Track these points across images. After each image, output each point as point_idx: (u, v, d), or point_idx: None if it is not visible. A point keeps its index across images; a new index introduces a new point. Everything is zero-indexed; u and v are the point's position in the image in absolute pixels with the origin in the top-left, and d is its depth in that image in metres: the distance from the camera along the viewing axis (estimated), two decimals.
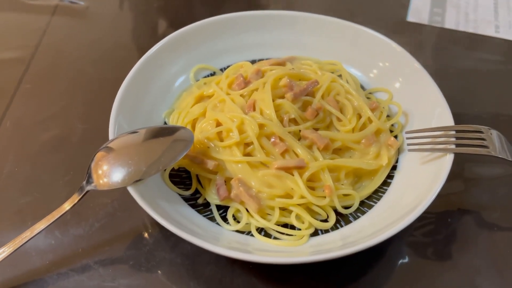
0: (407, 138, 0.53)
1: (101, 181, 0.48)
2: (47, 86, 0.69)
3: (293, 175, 0.50)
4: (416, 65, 0.57)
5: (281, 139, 0.51)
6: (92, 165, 0.48)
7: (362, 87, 0.63)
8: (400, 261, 0.51)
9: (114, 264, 0.50)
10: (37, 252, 0.51)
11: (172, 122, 0.58)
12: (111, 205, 0.55)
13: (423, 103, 0.56)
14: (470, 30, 0.78)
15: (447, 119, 0.53)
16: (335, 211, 0.51)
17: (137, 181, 0.47)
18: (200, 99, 0.60)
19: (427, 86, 0.56)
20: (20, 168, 0.58)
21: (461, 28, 0.78)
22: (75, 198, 0.47)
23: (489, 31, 0.78)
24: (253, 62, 0.65)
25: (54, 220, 0.47)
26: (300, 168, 0.50)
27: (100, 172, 0.48)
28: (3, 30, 0.77)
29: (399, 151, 0.56)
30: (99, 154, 0.49)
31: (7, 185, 0.57)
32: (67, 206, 0.47)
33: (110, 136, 0.51)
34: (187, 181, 0.54)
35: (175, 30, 0.78)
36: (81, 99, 0.67)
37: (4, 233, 0.52)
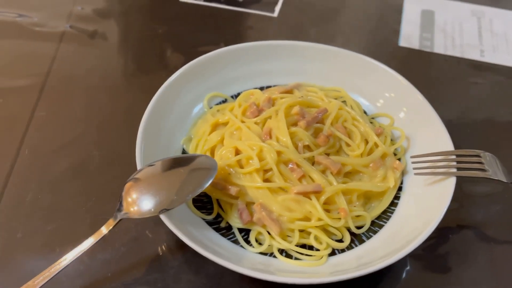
0: (413, 162, 0.58)
1: (132, 209, 0.50)
2: (61, 113, 0.71)
3: (310, 199, 0.54)
4: (419, 96, 0.62)
5: (298, 165, 0.55)
6: (123, 195, 0.51)
7: (365, 113, 0.67)
8: (405, 274, 0.55)
9: (142, 287, 0.53)
10: (67, 278, 0.53)
11: (191, 149, 0.61)
12: (135, 229, 0.57)
13: (425, 130, 0.61)
14: (457, 54, 0.84)
15: (447, 145, 0.57)
16: (349, 230, 0.55)
17: (163, 210, 0.50)
18: (216, 126, 0.63)
19: (429, 115, 0.61)
20: (42, 195, 0.60)
21: (449, 52, 0.84)
22: (111, 223, 0.50)
23: (475, 55, 0.84)
24: (261, 89, 0.69)
25: (94, 242, 0.49)
26: (317, 193, 0.54)
27: (130, 200, 0.51)
28: (13, 58, 0.79)
29: (403, 173, 0.61)
30: (128, 185, 0.51)
31: (31, 212, 0.59)
32: (104, 230, 0.50)
33: (138, 165, 0.54)
34: (208, 206, 0.57)
35: (179, 55, 0.82)
36: (95, 126, 0.69)
37: (34, 261, 0.54)
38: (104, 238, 0.55)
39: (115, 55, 0.81)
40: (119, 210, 0.51)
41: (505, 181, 0.54)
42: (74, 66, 0.78)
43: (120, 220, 0.50)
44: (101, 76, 0.77)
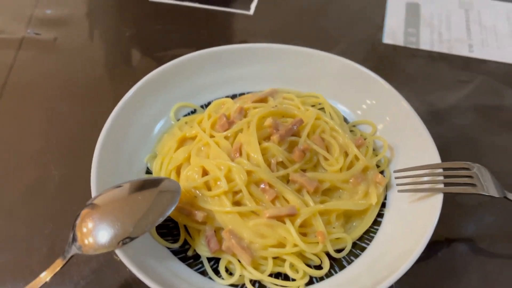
0: (396, 178, 0.53)
1: (86, 242, 0.45)
2: (17, 128, 0.65)
3: (284, 223, 0.49)
4: (404, 103, 0.57)
5: (270, 186, 0.50)
6: (77, 224, 0.46)
7: (346, 120, 0.62)
8: None
9: None
10: None
11: (155, 168, 0.56)
12: (96, 259, 0.52)
13: (410, 140, 0.56)
14: (445, 50, 0.79)
15: (434, 157, 0.53)
16: (328, 254, 0.51)
17: (124, 240, 0.45)
18: (183, 141, 0.58)
19: (414, 124, 0.56)
20: None
21: (436, 48, 0.79)
22: (58, 265, 0.45)
23: (463, 51, 0.79)
24: (233, 96, 0.64)
25: None
26: (292, 216, 0.49)
27: (85, 230, 0.46)
28: None
29: (387, 187, 0.56)
30: (84, 212, 0.47)
31: None
32: (47, 276, 0.44)
33: (93, 193, 0.49)
34: (175, 231, 0.52)
35: (149, 59, 0.77)
36: (55, 142, 0.64)
37: None
38: (60, 270, 0.50)
39: (78, 61, 0.75)
40: (73, 241, 0.46)
41: (497, 196, 0.50)
42: (33, 75, 0.73)
43: (71, 257, 0.45)
44: (62, 85, 0.71)
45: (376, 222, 0.54)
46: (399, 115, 0.58)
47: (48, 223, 0.55)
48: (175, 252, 0.51)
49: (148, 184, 0.49)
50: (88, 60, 0.76)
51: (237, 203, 0.50)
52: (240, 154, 0.52)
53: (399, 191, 0.52)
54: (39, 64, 0.74)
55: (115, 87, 0.72)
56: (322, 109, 0.62)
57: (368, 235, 0.53)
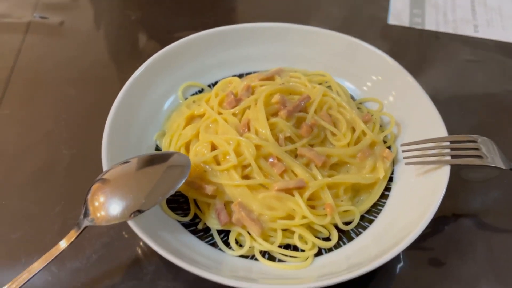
0: (403, 151, 0.54)
1: (98, 215, 0.46)
2: (27, 111, 0.66)
3: (293, 195, 0.50)
4: (409, 78, 0.58)
5: (279, 159, 0.51)
6: (89, 198, 0.47)
7: (352, 98, 0.63)
8: (400, 269, 0.52)
9: None
10: None
11: (164, 145, 0.57)
12: (108, 234, 0.53)
13: (416, 115, 0.57)
14: (450, 30, 0.79)
15: (441, 130, 0.53)
16: (336, 227, 0.51)
17: (135, 213, 0.46)
18: (191, 119, 0.58)
19: (420, 99, 0.56)
20: (7, 201, 0.56)
21: (441, 29, 0.79)
22: (72, 235, 0.46)
23: (468, 31, 0.79)
24: (240, 76, 0.65)
25: (51, 259, 0.45)
26: (300, 188, 0.50)
27: (97, 204, 0.47)
28: None
29: (394, 162, 0.56)
30: (95, 186, 0.47)
31: None
32: (64, 244, 0.45)
33: (104, 167, 0.49)
34: (185, 206, 0.53)
35: (155, 42, 0.77)
36: (64, 123, 0.64)
37: None
38: (74, 244, 0.51)
39: (85, 45, 0.76)
40: (85, 215, 0.46)
41: (504, 167, 0.50)
42: (41, 58, 0.73)
43: (85, 228, 0.46)
44: (70, 68, 0.72)
45: (384, 196, 0.54)
46: (405, 90, 0.58)
47: (59, 201, 0.56)
48: (185, 225, 0.51)
49: (158, 158, 0.50)
50: (95, 43, 0.77)
51: (246, 177, 0.51)
52: (249, 130, 0.53)
53: (407, 163, 0.53)
54: (46, 48, 0.75)
55: (120, 70, 0.72)
56: (329, 87, 0.62)
57: (375, 208, 0.53)
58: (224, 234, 0.51)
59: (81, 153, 0.61)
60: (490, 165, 0.50)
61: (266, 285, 0.43)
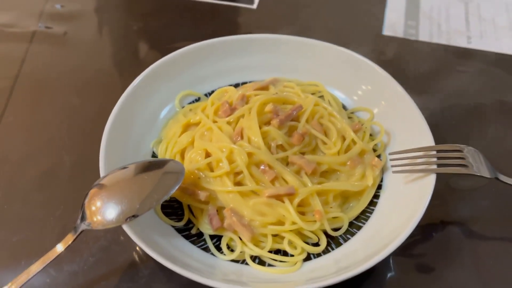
0: (391, 160, 0.55)
1: (95, 219, 0.48)
2: (30, 118, 0.68)
3: (283, 202, 0.51)
4: (398, 88, 0.59)
5: (270, 167, 0.53)
6: (86, 203, 0.49)
7: (344, 107, 0.64)
8: (388, 275, 0.53)
9: None
10: None
11: (160, 152, 0.59)
12: (105, 238, 0.55)
13: (405, 124, 0.58)
14: (443, 42, 0.81)
15: (428, 140, 0.55)
16: (325, 233, 0.53)
17: (131, 218, 0.48)
18: (187, 127, 0.60)
19: (409, 109, 0.58)
20: (9, 205, 0.58)
21: (435, 40, 0.81)
22: (69, 239, 0.48)
23: (462, 42, 0.80)
24: (236, 85, 0.66)
25: (48, 262, 0.47)
26: (290, 195, 0.51)
27: (94, 209, 0.49)
28: None
29: (383, 170, 0.58)
30: (92, 192, 0.49)
31: None
32: (60, 248, 0.47)
33: (101, 173, 0.51)
34: (179, 211, 0.55)
35: (156, 51, 0.79)
36: (66, 131, 0.67)
37: None
38: (71, 247, 0.53)
39: (88, 54, 0.78)
40: (82, 219, 0.48)
41: (488, 176, 0.52)
42: (44, 67, 0.76)
43: (81, 232, 0.48)
44: (72, 77, 0.74)
45: (372, 203, 0.56)
46: (395, 100, 0.60)
47: (60, 206, 0.58)
48: (179, 230, 0.53)
49: (154, 165, 0.52)
50: (97, 53, 0.79)
51: (238, 184, 0.53)
52: (242, 138, 0.55)
53: (394, 171, 0.54)
54: (50, 57, 0.77)
55: (122, 79, 0.74)
56: (321, 97, 0.64)
57: (364, 215, 0.55)
58: (216, 239, 0.53)
59: (82, 160, 0.63)
60: (475, 174, 0.51)
61: None
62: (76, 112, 0.69)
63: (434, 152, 0.54)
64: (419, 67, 0.76)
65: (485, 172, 0.52)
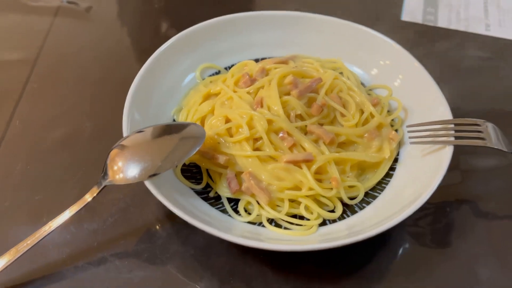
0: (409, 131, 0.56)
1: (117, 177, 0.49)
2: (53, 86, 0.70)
3: (301, 168, 0.52)
4: (416, 63, 0.60)
5: (289, 134, 0.53)
6: (108, 162, 0.50)
7: (363, 84, 0.65)
8: (402, 249, 0.54)
9: (129, 257, 0.52)
10: (53, 246, 0.52)
11: (181, 119, 0.60)
12: (123, 200, 0.56)
13: (423, 99, 0.59)
14: (462, 28, 0.81)
15: (446, 114, 0.55)
16: (342, 201, 0.54)
17: (152, 176, 0.49)
18: (208, 97, 0.61)
19: (426, 83, 0.58)
20: (31, 166, 0.60)
21: (453, 26, 0.81)
22: (94, 191, 0.49)
23: (480, 29, 0.81)
24: (256, 60, 0.67)
25: (78, 210, 0.48)
26: (308, 162, 0.52)
27: (115, 168, 0.50)
28: (7, 32, 0.78)
29: (400, 144, 0.59)
30: (114, 152, 0.50)
31: (20, 183, 0.58)
32: (88, 197, 0.49)
33: (124, 132, 0.52)
34: (197, 176, 0.56)
35: (176, 30, 0.80)
36: (87, 98, 0.68)
37: (21, 229, 0.53)
38: (91, 208, 0.54)
39: (110, 30, 0.80)
40: (104, 177, 0.50)
41: (505, 150, 0.52)
42: (68, 40, 0.77)
43: (104, 187, 0.49)
44: (95, 51, 0.76)
45: (388, 175, 0.56)
46: (411, 74, 0.60)
47: (80, 168, 0.59)
48: (198, 193, 0.54)
49: (175, 127, 0.53)
50: (119, 29, 0.80)
51: (257, 150, 0.53)
52: (261, 106, 0.56)
53: (411, 143, 0.55)
54: (73, 30, 0.79)
55: (143, 54, 0.75)
56: (341, 73, 0.65)
57: (380, 186, 0.55)
58: (234, 203, 0.54)
59: (102, 125, 0.64)
60: (491, 146, 0.52)
61: (272, 244, 0.46)
62: (97, 82, 0.71)
63: (452, 126, 0.54)
64: (436, 52, 0.76)
65: (502, 146, 0.52)
